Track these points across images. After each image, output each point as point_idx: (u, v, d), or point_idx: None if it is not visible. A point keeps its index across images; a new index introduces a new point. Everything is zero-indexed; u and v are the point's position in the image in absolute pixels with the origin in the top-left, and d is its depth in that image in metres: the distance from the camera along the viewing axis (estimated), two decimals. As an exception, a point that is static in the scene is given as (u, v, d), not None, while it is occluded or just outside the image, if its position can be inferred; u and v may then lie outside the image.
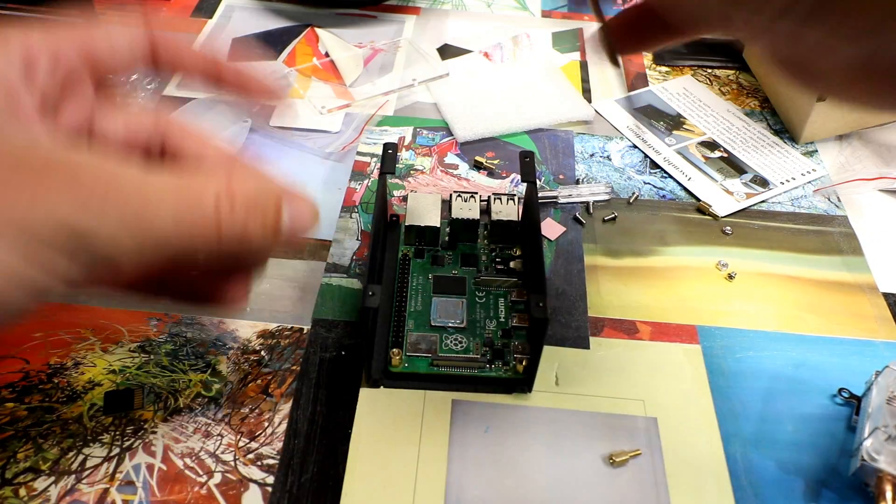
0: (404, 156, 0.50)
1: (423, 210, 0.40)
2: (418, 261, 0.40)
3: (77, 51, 0.24)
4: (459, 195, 0.41)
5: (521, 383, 0.35)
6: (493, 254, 0.40)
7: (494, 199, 0.41)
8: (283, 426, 0.35)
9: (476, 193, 0.41)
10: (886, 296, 0.42)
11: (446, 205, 0.41)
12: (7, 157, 0.19)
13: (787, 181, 0.49)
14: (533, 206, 0.38)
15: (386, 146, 0.39)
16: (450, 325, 0.37)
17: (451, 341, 0.36)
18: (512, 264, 0.40)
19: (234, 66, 0.27)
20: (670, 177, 0.49)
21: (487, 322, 0.37)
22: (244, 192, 0.21)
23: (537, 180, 0.48)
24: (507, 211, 0.40)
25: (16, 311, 0.19)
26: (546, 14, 0.66)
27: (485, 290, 0.39)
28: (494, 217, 0.40)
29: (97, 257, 0.19)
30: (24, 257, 0.18)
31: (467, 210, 0.40)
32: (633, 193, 0.48)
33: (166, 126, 0.26)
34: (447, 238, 0.41)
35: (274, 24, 0.62)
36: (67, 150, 0.20)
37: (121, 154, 0.21)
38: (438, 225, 0.40)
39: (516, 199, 0.41)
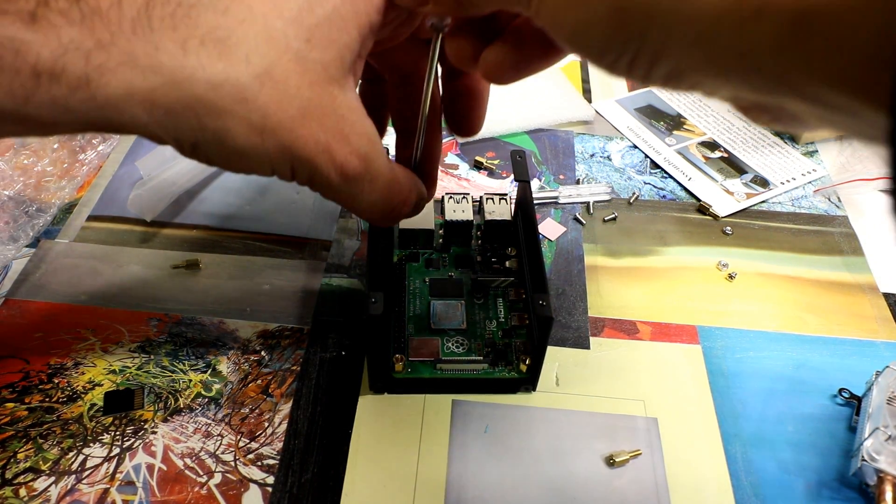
0: (404, 156, 0.50)
1: None
2: (413, 264, 0.40)
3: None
4: (451, 197, 0.40)
5: (525, 382, 0.35)
6: (488, 254, 0.40)
7: (487, 199, 0.41)
8: (284, 426, 0.35)
9: (468, 194, 0.41)
10: (886, 296, 0.42)
11: (439, 206, 0.41)
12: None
13: (788, 181, 0.49)
14: (528, 205, 0.38)
15: (386, 148, 0.38)
16: (450, 327, 0.37)
17: (453, 344, 0.36)
18: (508, 263, 0.40)
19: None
20: (670, 177, 0.49)
21: (487, 323, 0.37)
22: (419, 197, 0.30)
23: (538, 180, 0.48)
24: (500, 211, 0.40)
25: None
26: (546, 14, 0.66)
27: (482, 290, 0.39)
28: (488, 217, 0.40)
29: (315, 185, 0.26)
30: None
31: (460, 212, 0.40)
32: (634, 193, 0.48)
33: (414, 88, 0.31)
34: (441, 241, 0.41)
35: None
36: (353, 106, 0.26)
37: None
38: (432, 227, 0.40)
39: (508, 198, 0.41)
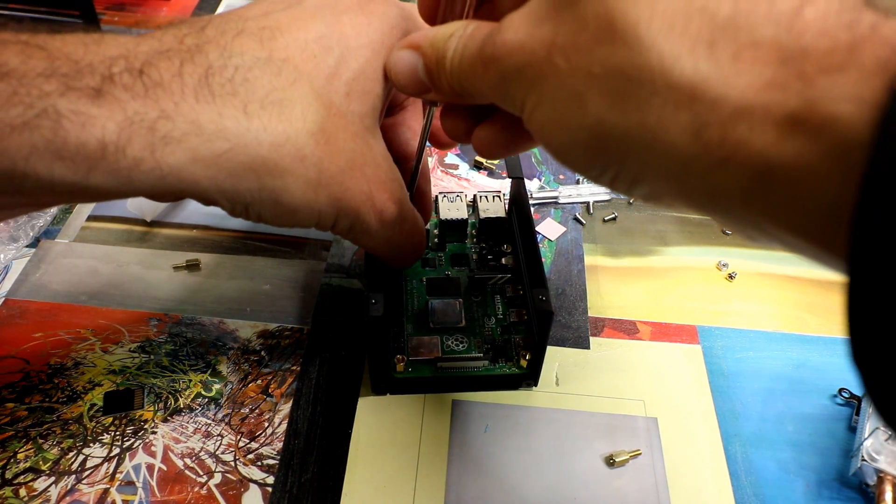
0: (404, 156, 0.50)
1: None
2: None
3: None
4: (445, 196, 0.40)
5: (527, 377, 0.35)
6: (484, 251, 0.40)
7: (480, 197, 0.41)
8: (284, 426, 0.35)
9: (462, 193, 0.41)
10: (887, 296, 0.42)
11: (433, 205, 0.41)
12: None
13: (788, 181, 0.49)
14: (522, 202, 0.38)
15: None
16: (449, 326, 0.37)
17: (453, 342, 0.36)
18: (504, 260, 0.40)
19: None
20: (670, 177, 0.49)
21: (486, 320, 0.37)
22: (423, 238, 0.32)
23: (538, 180, 0.48)
24: (495, 208, 0.40)
25: None
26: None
27: (480, 288, 0.39)
28: (483, 215, 0.40)
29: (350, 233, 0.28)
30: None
31: (455, 210, 0.40)
32: (634, 193, 0.48)
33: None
34: (436, 240, 0.41)
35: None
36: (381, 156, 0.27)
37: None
38: (427, 227, 0.40)
39: (502, 195, 0.41)
